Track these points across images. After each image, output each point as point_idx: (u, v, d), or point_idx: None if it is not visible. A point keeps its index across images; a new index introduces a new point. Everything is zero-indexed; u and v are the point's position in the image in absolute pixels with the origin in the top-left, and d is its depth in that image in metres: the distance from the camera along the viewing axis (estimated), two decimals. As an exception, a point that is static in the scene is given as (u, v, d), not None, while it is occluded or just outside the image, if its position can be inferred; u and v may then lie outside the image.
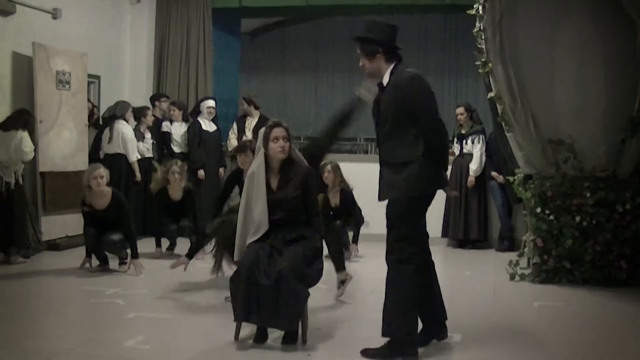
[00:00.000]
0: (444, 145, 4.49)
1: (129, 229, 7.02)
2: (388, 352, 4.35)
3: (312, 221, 4.80)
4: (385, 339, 4.39)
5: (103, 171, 7.00)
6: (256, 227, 4.66)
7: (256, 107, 9.55)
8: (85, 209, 7.04)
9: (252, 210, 4.69)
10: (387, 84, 4.42)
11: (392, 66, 4.43)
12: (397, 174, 4.36)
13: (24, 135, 7.28)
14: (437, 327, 4.70)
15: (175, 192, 7.84)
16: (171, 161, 8.05)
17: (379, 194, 4.47)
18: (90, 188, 6.93)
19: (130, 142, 8.84)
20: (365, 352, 4.41)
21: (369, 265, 7.35)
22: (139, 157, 8.95)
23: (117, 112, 8.97)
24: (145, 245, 8.68)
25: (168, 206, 7.90)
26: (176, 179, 7.77)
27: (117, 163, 8.75)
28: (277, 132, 4.70)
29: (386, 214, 4.44)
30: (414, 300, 4.38)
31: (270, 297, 4.39)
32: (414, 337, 4.40)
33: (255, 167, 4.77)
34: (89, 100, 9.22)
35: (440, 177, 4.49)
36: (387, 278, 4.40)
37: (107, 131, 8.92)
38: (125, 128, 8.86)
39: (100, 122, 9.31)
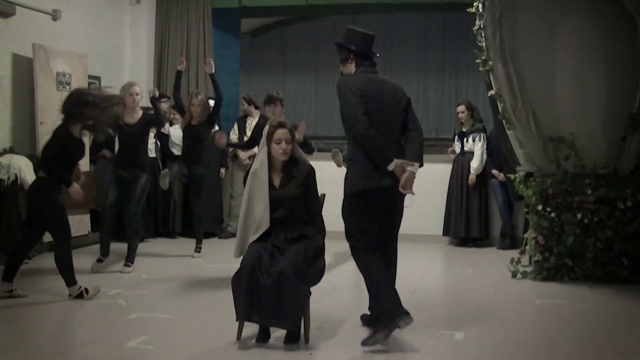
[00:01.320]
0: (374, 146, 4.61)
1: None
2: (383, 325, 4.50)
3: (314, 220, 4.80)
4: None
5: (139, 89, 7.12)
6: (257, 224, 4.66)
7: (256, 107, 9.54)
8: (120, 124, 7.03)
9: (254, 209, 4.70)
10: None
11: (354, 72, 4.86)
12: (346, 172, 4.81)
13: None
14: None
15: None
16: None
17: None
18: (124, 106, 6.90)
19: None
20: (365, 342, 4.50)
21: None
22: None
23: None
24: (153, 245, 8.70)
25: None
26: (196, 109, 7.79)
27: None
28: (280, 134, 4.71)
29: None
30: (383, 276, 4.71)
31: (271, 296, 4.39)
32: (398, 301, 4.60)
33: (258, 165, 4.77)
34: None
35: (375, 175, 4.64)
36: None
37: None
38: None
39: None
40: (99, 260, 7.15)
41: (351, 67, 4.88)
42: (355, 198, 4.68)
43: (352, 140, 4.75)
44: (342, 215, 4.78)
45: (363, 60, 4.85)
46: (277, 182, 4.76)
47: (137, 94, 7.11)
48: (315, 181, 4.85)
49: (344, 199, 4.75)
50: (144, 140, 7.20)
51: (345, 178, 4.75)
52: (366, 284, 4.74)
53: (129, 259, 7.08)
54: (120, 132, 7.12)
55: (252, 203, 4.72)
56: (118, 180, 7.09)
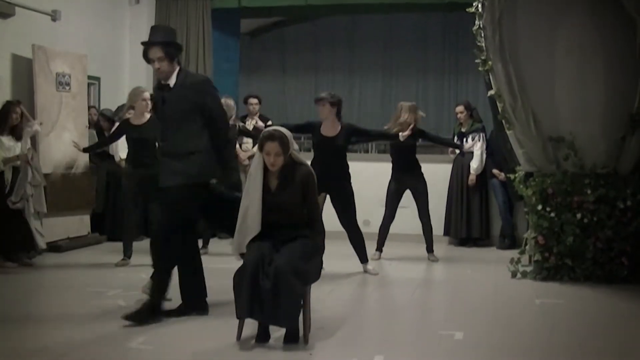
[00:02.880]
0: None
1: None
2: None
3: (314, 225, 4.78)
4: None
5: (148, 94, 7.21)
6: (250, 229, 4.66)
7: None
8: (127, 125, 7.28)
9: (248, 211, 4.69)
10: (175, 84, 5.17)
11: (178, 69, 5.21)
12: (182, 162, 5.09)
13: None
14: (194, 302, 5.34)
15: None
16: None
17: (161, 181, 5.16)
18: (132, 108, 7.19)
19: (116, 143, 8.81)
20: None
21: (370, 263, 7.34)
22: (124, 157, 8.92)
23: (113, 114, 9.03)
24: (145, 245, 8.69)
25: None
26: None
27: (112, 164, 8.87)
28: (268, 147, 4.61)
29: (163, 199, 5.20)
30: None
31: (270, 296, 4.39)
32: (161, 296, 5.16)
33: (253, 167, 4.74)
34: (93, 107, 9.24)
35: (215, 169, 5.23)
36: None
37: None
38: (114, 129, 8.87)
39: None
40: (123, 260, 7.32)
41: (174, 65, 5.24)
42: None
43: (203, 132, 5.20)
44: (170, 202, 5.19)
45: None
46: (273, 185, 4.72)
47: (149, 99, 7.16)
48: (315, 185, 4.78)
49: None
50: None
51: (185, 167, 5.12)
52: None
53: None
54: (131, 134, 7.25)
55: (247, 206, 4.71)
56: (137, 181, 7.19)
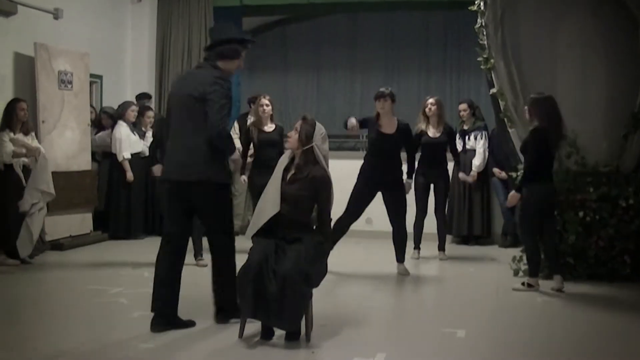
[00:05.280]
0: None
1: None
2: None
3: (321, 228, 4.79)
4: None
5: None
6: (267, 209, 4.68)
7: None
8: None
9: (267, 193, 4.76)
10: None
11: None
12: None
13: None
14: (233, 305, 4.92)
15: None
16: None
17: None
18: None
19: (119, 141, 8.87)
20: None
21: (372, 262, 7.35)
22: (128, 156, 8.95)
23: (115, 113, 9.05)
24: (154, 244, 8.71)
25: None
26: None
27: (115, 162, 8.94)
28: (297, 124, 4.83)
29: None
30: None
31: (275, 299, 4.40)
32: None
33: (282, 159, 4.89)
34: (91, 105, 9.27)
35: None
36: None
37: (109, 132, 9.01)
38: (118, 127, 8.92)
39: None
40: (199, 259, 7.26)
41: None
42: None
43: None
44: None
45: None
46: (288, 175, 4.78)
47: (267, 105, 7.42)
48: (328, 191, 4.76)
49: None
50: None
51: None
52: None
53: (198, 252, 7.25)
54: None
55: (268, 188, 4.78)
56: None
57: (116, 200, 8.99)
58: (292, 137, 4.79)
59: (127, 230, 9.04)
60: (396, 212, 6.90)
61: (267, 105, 7.49)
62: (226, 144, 4.86)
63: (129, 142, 8.91)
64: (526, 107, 6.35)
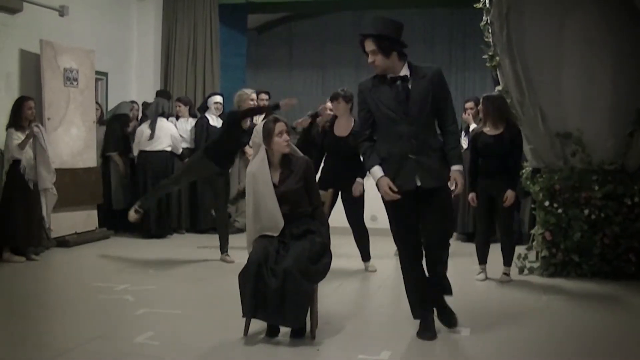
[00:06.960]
0: None
1: None
2: None
3: (315, 213, 4.82)
4: None
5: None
6: (273, 224, 4.67)
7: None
8: None
9: (261, 209, 4.71)
10: (410, 75, 4.73)
11: (406, 63, 4.78)
12: (441, 162, 4.67)
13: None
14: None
15: None
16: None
17: (427, 181, 4.59)
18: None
19: (177, 138, 9.21)
20: None
21: (377, 259, 7.33)
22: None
23: (158, 109, 9.07)
24: (161, 241, 8.73)
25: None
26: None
27: (161, 159, 9.01)
28: (280, 126, 4.76)
29: (435, 203, 4.61)
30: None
31: (276, 296, 4.41)
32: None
33: (257, 165, 4.78)
34: (97, 102, 9.30)
35: None
36: None
37: (144, 129, 8.98)
38: (171, 125, 9.21)
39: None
40: (226, 255, 7.39)
41: (394, 59, 4.81)
42: None
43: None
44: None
45: (404, 51, 4.87)
46: (276, 178, 4.78)
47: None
48: (314, 173, 4.93)
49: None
50: None
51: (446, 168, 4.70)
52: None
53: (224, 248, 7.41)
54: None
55: (259, 202, 4.72)
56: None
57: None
58: (289, 138, 4.83)
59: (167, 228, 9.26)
60: (351, 213, 7.00)
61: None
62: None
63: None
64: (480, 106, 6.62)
